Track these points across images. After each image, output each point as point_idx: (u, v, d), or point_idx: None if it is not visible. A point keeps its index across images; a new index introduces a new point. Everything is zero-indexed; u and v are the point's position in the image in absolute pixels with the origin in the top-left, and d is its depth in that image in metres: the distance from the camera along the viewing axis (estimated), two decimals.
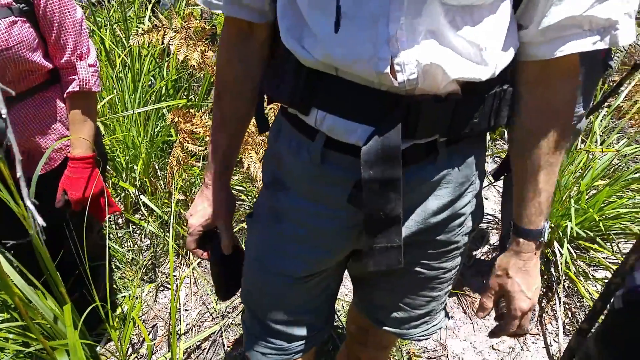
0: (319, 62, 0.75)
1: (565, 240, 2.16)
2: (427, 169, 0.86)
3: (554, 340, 2.14)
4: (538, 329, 2.20)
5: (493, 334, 1.03)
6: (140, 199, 2.34)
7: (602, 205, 2.32)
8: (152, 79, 2.57)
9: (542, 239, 0.88)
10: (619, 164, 2.65)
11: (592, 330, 1.52)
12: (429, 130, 0.79)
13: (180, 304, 2.12)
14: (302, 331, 1.05)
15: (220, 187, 1.03)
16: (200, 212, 1.03)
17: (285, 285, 0.98)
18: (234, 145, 1.02)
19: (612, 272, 2.19)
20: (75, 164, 1.44)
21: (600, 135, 2.73)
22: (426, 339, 1.19)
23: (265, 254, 0.99)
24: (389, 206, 0.78)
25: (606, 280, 2.32)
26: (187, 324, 2.07)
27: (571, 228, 2.11)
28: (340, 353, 1.51)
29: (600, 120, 2.80)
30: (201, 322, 2.09)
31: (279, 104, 0.93)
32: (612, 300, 1.43)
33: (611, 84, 3.23)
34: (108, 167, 2.49)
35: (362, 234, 0.88)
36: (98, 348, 1.85)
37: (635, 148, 2.68)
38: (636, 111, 3.04)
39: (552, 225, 2.30)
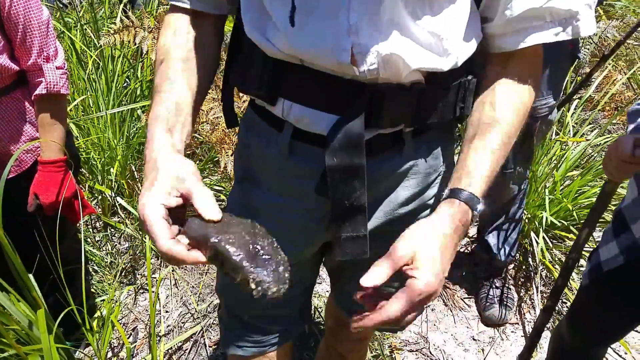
0: (284, 54, 0.76)
1: (541, 230, 2.20)
2: (394, 160, 0.87)
3: (533, 329, 2.18)
4: (517, 318, 2.24)
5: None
6: (117, 202, 2.32)
7: (576, 194, 2.37)
8: (127, 80, 2.54)
9: (475, 210, 0.75)
10: (592, 154, 2.70)
11: (556, 308, 1.55)
12: (394, 119, 0.80)
13: (160, 306, 2.10)
14: (277, 324, 1.05)
15: (172, 149, 0.74)
16: (156, 182, 0.67)
17: None
18: (183, 98, 0.79)
19: (586, 259, 2.25)
20: (46, 168, 1.42)
21: (573, 126, 2.78)
22: (402, 330, 1.19)
23: None
24: (354, 195, 0.79)
25: (582, 268, 2.37)
26: (168, 326, 2.05)
27: (546, 218, 2.14)
28: (321, 347, 1.52)
29: (573, 112, 2.85)
30: (182, 322, 2.08)
31: (249, 98, 0.94)
32: (581, 283, 1.47)
33: (582, 75, 3.30)
34: (83, 169, 2.46)
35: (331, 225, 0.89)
36: (77, 353, 1.82)
37: (607, 138, 2.74)
38: (607, 102, 3.10)
39: (529, 215, 2.34)
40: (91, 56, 2.37)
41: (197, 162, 2.58)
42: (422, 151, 0.89)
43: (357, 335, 1.33)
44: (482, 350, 2.09)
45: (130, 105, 2.29)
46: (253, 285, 0.61)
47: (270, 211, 0.92)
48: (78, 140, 2.34)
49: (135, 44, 2.09)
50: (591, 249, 1.47)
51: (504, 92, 0.80)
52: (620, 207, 1.33)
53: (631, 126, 1.22)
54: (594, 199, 2.38)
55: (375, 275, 0.66)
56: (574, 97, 2.72)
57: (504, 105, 0.79)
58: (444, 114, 0.83)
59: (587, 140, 2.55)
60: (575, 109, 2.87)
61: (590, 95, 3.03)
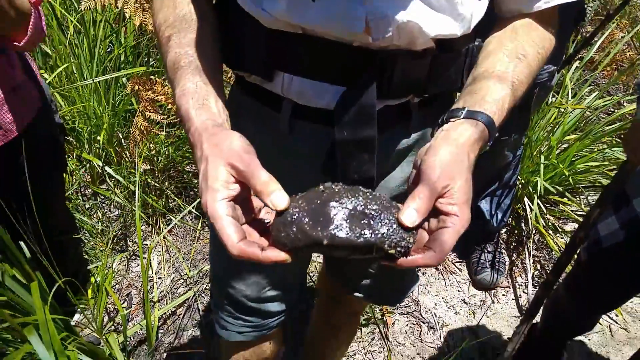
0: (282, 22, 0.70)
1: (536, 196, 2.18)
2: (400, 134, 0.83)
3: (523, 292, 2.20)
4: (508, 281, 2.25)
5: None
6: (106, 171, 2.29)
7: (573, 159, 2.34)
8: (110, 44, 2.46)
9: (490, 142, 0.69)
10: (590, 117, 2.65)
11: (560, 281, 1.56)
12: (404, 88, 0.76)
13: (152, 272, 2.11)
14: (276, 307, 1.04)
15: (212, 125, 0.65)
16: (208, 175, 0.59)
17: (259, 265, 0.97)
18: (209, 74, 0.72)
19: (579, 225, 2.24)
20: None
21: (572, 89, 2.71)
22: (399, 304, 1.17)
23: None
24: (363, 168, 0.75)
25: (574, 231, 2.37)
26: (161, 291, 2.07)
27: (541, 185, 2.12)
28: (313, 320, 1.52)
29: (573, 73, 2.79)
30: (175, 289, 2.09)
31: (233, 80, 0.88)
32: (578, 252, 1.46)
33: (584, 34, 3.20)
34: (70, 138, 2.41)
35: None
36: (73, 321, 1.84)
37: (607, 100, 2.68)
38: (608, 63, 3.03)
39: (523, 181, 2.32)
40: (72, 21, 2.28)
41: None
42: (429, 123, 0.85)
43: (351, 309, 1.33)
44: (473, 313, 2.12)
45: (115, 74, 2.22)
46: (393, 251, 0.55)
47: None
48: (62, 108, 2.29)
49: (117, 8, 2.00)
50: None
51: (526, 30, 0.75)
52: None
53: None
54: (591, 164, 2.37)
55: (421, 209, 0.57)
56: (575, 58, 2.64)
57: (527, 40, 0.74)
58: (453, 81, 0.80)
59: (587, 107, 2.49)
60: (575, 70, 2.80)
61: (591, 56, 2.95)
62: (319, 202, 0.57)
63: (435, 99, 0.83)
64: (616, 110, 2.83)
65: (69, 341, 1.45)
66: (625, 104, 2.90)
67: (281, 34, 0.71)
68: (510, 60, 0.72)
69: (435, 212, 0.59)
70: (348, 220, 0.55)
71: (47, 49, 2.42)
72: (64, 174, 1.82)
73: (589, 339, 2.02)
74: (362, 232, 0.55)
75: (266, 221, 0.64)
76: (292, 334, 1.79)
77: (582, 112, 2.50)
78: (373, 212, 0.56)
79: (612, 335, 2.06)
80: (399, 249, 0.55)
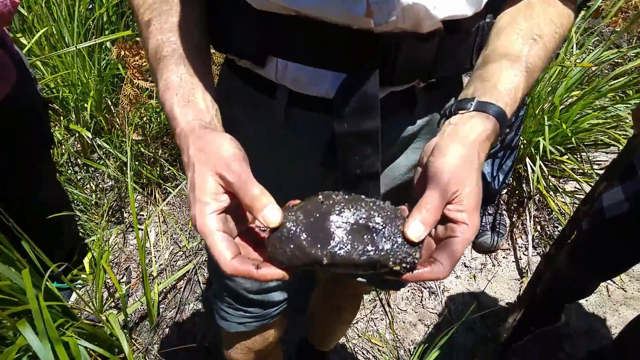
0: (273, 4, 0.62)
1: (538, 157, 2.14)
2: (405, 121, 0.77)
3: (524, 254, 2.20)
4: (509, 244, 2.25)
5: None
6: (96, 142, 2.21)
7: (576, 117, 2.28)
8: (91, 1, 2.31)
9: (500, 137, 0.66)
10: (595, 71, 2.56)
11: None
12: (409, 74, 0.69)
13: (150, 245, 2.09)
14: (278, 296, 1.01)
15: (199, 125, 0.59)
16: (196, 186, 0.54)
17: None
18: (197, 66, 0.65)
19: (579, 185, 2.21)
20: None
21: (577, 41, 2.61)
22: (402, 287, 1.14)
23: None
24: (366, 162, 0.69)
25: (575, 191, 2.34)
26: (160, 265, 2.05)
27: (544, 146, 2.07)
28: (314, 299, 1.51)
29: (578, 23, 2.67)
30: (174, 261, 2.07)
31: (223, 59, 0.80)
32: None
33: None
34: (57, 106, 2.32)
35: None
36: (70, 301, 1.83)
37: (613, 53, 2.58)
38: (615, 12, 2.90)
39: (525, 141, 2.26)
40: None
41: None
42: (435, 108, 0.79)
43: (354, 291, 1.31)
44: (474, 277, 2.12)
45: (99, 39, 2.10)
46: (398, 267, 0.51)
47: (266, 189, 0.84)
48: (45, 77, 2.18)
49: None
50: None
51: (543, 5, 0.68)
52: None
53: None
54: (595, 121, 2.31)
55: (428, 222, 0.52)
56: (582, 7, 2.52)
57: (543, 18, 0.67)
58: (462, 64, 0.73)
59: (591, 63, 2.39)
60: (581, 21, 2.67)
61: (598, 5, 2.82)
62: (317, 215, 0.52)
63: (442, 82, 0.76)
64: (622, 63, 2.74)
65: (67, 326, 1.43)
66: (631, 55, 2.80)
67: (273, 16, 0.63)
68: (525, 41, 0.65)
69: (443, 219, 0.54)
70: (349, 236, 0.51)
71: (22, 10, 2.27)
72: (52, 147, 1.75)
73: (587, 300, 2.03)
74: (365, 249, 0.50)
75: (262, 228, 0.59)
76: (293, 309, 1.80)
77: (587, 67, 2.41)
78: (376, 226, 0.52)
79: (609, 296, 2.08)
80: (404, 265, 0.51)
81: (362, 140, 0.68)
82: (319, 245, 0.50)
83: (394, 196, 0.84)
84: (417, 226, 0.51)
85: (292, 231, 0.51)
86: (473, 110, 0.59)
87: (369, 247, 0.50)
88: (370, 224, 0.52)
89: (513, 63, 0.63)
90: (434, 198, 0.53)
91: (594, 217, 1.38)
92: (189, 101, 0.59)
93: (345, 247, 0.50)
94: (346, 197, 0.54)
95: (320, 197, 0.54)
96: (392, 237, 0.51)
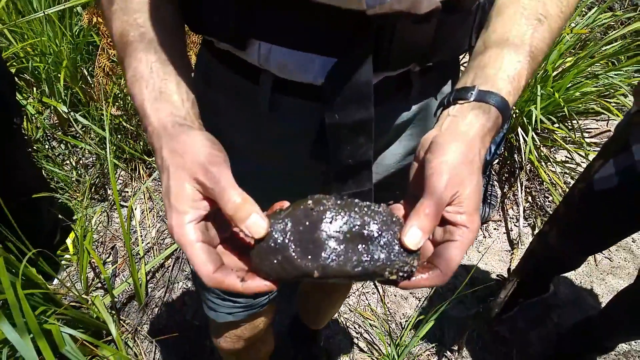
0: None
1: (530, 127, 2.10)
2: (399, 106, 0.72)
3: (515, 225, 2.19)
4: (500, 215, 2.24)
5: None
6: (72, 115, 2.11)
7: (569, 85, 2.23)
8: None
9: (502, 129, 0.65)
10: (588, 36, 2.51)
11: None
12: (405, 58, 0.63)
13: (136, 223, 2.03)
14: None
15: (172, 122, 0.53)
16: (171, 194, 0.49)
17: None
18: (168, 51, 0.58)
19: (570, 155, 2.19)
20: None
21: None
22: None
23: None
24: (359, 152, 0.65)
25: (566, 161, 2.33)
26: (147, 243, 2.00)
27: (536, 116, 2.02)
28: (303, 284, 1.48)
29: None
30: (161, 239, 2.02)
31: (201, 39, 0.73)
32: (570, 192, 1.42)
33: None
34: (29, 77, 2.20)
35: (326, 185, 0.73)
36: (53, 286, 1.78)
37: (608, 18, 2.52)
38: None
39: (517, 110, 2.22)
40: None
41: None
42: (431, 91, 0.74)
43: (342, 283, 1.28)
44: None
45: (68, 3, 1.95)
46: (394, 277, 0.48)
47: (249, 181, 0.78)
48: (13, 45, 2.05)
49: None
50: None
51: None
52: (622, 124, 1.22)
53: None
54: (588, 89, 2.27)
55: (426, 228, 0.48)
56: None
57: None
58: (460, 45, 0.67)
59: (585, 28, 2.33)
60: None
61: None
62: (307, 223, 0.48)
63: (439, 64, 0.70)
64: (616, 26, 2.68)
65: (49, 313, 1.39)
66: (624, 19, 2.74)
67: None
68: (529, 22, 0.59)
69: (441, 220, 0.50)
70: (342, 246, 0.47)
71: None
72: (20, 122, 1.65)
73: (574, 270, 2.04)
74: (360, 260, 0.47)
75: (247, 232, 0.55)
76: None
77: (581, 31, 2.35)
78: (371, 233, 0.48)
79: (596, 265, 2.10)
80: (401, 274, 0.48)
81: (354, 131, 0.62)
82: (309, 257, 0.47)
83: (388, 185, 0.79)
84: (415, 233, 0.47)
85: (279, 241, 0.47)
86: (473, 101, 0.54)
87: (364, 257, 0.47)
88: (364, 231, 0.48)
89: (516, 48, 0.57)
90: (432, 202, 0.49)
91: (583, 190, 1.36)
92: (161, 93, 0.53)
93: (338, 258, 0.47)
94: (338, 202, 0.49)
95: (310, 202, 0.49)
96: (388, 246, 0.48)
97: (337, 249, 0.47)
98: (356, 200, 0.50)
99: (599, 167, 1.26)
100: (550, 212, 2.18)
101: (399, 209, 0.56)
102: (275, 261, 0.47)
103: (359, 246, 0.48)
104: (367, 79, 0.58)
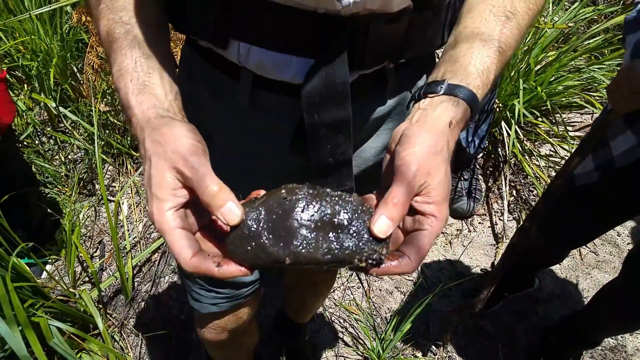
0: None
1: (514, 122, 2.12)
2: (376, 102, 0.74)
3: (499, 219, 2.22)
4: (484, 209, 2.27)
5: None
6: (61, 111, 2.12)
7: (551, 80, 2.26)
8: None
9: (472, 121, 0.64)
10: (570, 30, 2.53)
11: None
12: (379, 57, 0.66)
13: (123, 217, 2.05)
14: (250, 277, 0.99)
15: (155, 114, 0.55)
16: (152, 182, 0.52)
17: None
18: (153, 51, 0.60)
19: (554, 148, 2.21)
20: None
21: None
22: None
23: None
24: (338, 151, 0.67)
25: (550, 155, 2.35)
26: (134, 238, 2.02)
27: (519, 110, 2.05)
28: (288, 273, 1.50)
29: None
30: (148, 234, 2.04)
31: (185, 37, 0.75)
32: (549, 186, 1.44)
33: None
34: (20, 74, 2.21)
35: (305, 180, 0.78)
36: (41, 279, 1.80)
37: (589, 12, 2.54)
38: None
39: (500, 104, 2.25)
40: None
41: None
42: (406, 86, 0.77)
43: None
44: (450, 243, 2.14)
45: (58, 4, 1.97)
46: (364, 264, 0.49)
47: (230, 175, 0.80)
48: (3, 44, 2.07)
49: None
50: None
51: None
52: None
53: (630, 38, 1.07)
54: (570, 83, 2.29)
55: (395, 217, 0.49)
56: None
57: None
58: (432, 42, 0.70)
59: (567, 25, 2.35)
60: None
61: None
62: (280, 212, 0.50)
63: (413, 60, 0.73)
64: (599, 20, 2.71)
65: (37, 306, 1.41)
66: (607, 13, 2.77)
67: None
68: (497, 19, 0.62)
69: (411, 210, 0.52)
70: (313, 234, 0.49)
71: None
72: (11, 121, 1.67)
73: (560, 264, 2.07)
74: (330, 247, 0.49)
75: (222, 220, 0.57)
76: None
77: (563, 25, 2.37)
78: (342, 222, 0.50)
79: (581, 259, 2.12)
80: (370, 261, 0.50)
81: (333, 130, 0.65)
82: (281, 245, 0.49)
83: (368, 177, 0.82)
84: (384, 222, 0.49)
85: (253, 229, 0.49)
86: (443, 94, 0.57)
87: (334, 245, 0.49)
88: (335, 220, 0.50)
89: (485, 43, 0.60)
90: (400, 192, 0.50)
91: (564, 185, 1.38)
92: (144, 87, 0.56)
93: (309, 246, 0.48)
94: (310, 191, 0.51)
95: (283, 191, 0.51)
96: (357, 234, 0.50)
97: (308, 236, 0.49)
98: (328, 190, 0.52)
99: (577, 163, 1.29)
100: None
101: (371, 199, 0.58)
102: (249, 248, 0.49)
103: (330, 234, 0.49)
104: (344, 79, 0.61)
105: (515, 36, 0.62)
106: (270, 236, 0.49)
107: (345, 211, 0.50)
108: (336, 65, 0.60)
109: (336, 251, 0.49)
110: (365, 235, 0.49)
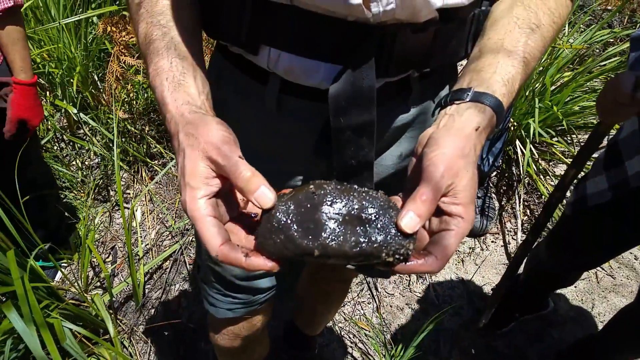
0: None
1: (528, 140, 2.12)
2: (399, 109, 0.76)
3: (513, 239, 2.20)
4: (497, 227, 2.25)
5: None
6: (81, 118, 2.16)
7: (567, 99, 2.26)
8: None
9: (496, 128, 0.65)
10: (587, 51, 2.54)
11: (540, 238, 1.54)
12: (405, 65, 0.68)
13: (136, 224, 2.06)
14: (266, 283, 1.00)
15: (189, 109, 0.57)
16: (186, 171, 0.52)
17: None
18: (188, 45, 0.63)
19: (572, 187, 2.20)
20: (29, 90, 1.39)
21: (569, 21, 2.57)
22: (392, 276, 1.14)
23: None
24: (361, 153, 0.69)
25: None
26: (147, 245, 2.03)
27: (534, 129, 2.05)
28: (303, 282, 1.50)
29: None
30: (160, 241, 2.05)
31: (215, 43, 0.78)
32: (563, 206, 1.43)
33: None
34: (43, 81, 2.26)
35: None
36: (55, 281, 1.81)
37: (605, 35, 2.55)
38: None
39: (515, 123, 2.25)
40: None
41: None
42: (429, 95, 0.78)
43: (344, 276, 1.30)
44: (462, 261, 2.13)
45: (84, 14, 2.03)
46: (391, 259, 0.49)
47: None
48: (31, 51, 2.12)
49: None
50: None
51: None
52: (616, 139, 1.24)
53: (632, 55, 1.08)
54: (586, 104, 2.29)
55: (423, 214, 0.50)
56: None
57: (541, 6, 0.65)
58: (456, 53, 0.71)
59: (583, 45, 2.36)
60: None
61: None
62: (309, 205, 0.50)
63: (437, 70, 0.74)
64: (615, 43, 2.71)
65: (52, 307, 1.42)
66: (623, 36, 2.77)
67: (267, 4, 0.62)
68: (522, 31, 0.63)
69: (437, 211, 0.53)
70: (342, 228, 0.49)
71: None
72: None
73: (575, 287, 2.05)
74: (358, 241, 0.49)
75: (253, 215, 0.58)
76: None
77: (581, 46, 2.38)
78: (369, 217, 0.50)
79: (597, 282, 2.09)
80: (397, 256, 0.50)
81: (357, 133, 0.66)
82: (310, 237, 0.49)
83: (387, 185, 0.82)
84: (411, 217, 0.49)
85: (282, 222, 0.49)
86: (469, 101, 0.57)
87: (362, 239, 0.49)
88: (362, 214, 0.50)
89: (510, 54, 0.61)
90: (428, 190, 0.51)
91: (577, 204, 1.36)
92: (179, 85, 0.58)
93: (337, 238, 0.49)
94: (338, 187, 0.52)
95: (311, 187, 0.52)
96: (385, 229, 0.50)
97: (336, 229, 0.49)
98: (355, 186, 0.52)
99: (572, 177, 1.28)
100: (549, 226, 2.19)
101: (397, 200, 0.58)
102: (278, 240, 0.49)
103: (358, 228, 0.49)
104: (370, 84, 0.63)
105: (540, 47, 0.63)
106: (299, 228, 0.49)
107: (373, 206, 0.51)
108: (364, 70, 0.62)
109: (364, 244, 0.49)
110: (393, 231, 0.50)
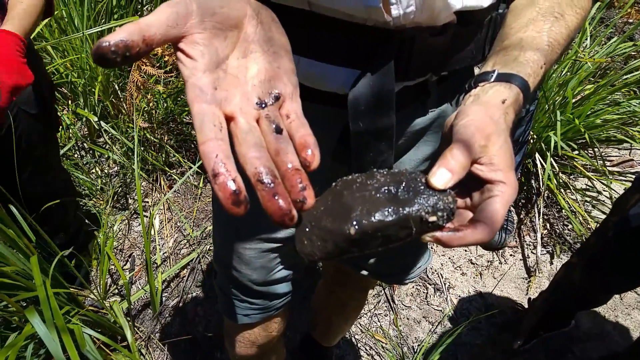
0: None
1: (549, 154, 2.09)
2: (417, 113, 0.76)
3: (532, 252, 2.17)
4: (516, 241, 2.22)
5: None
6: (102, 126, 2.19)
7: (589, 112, 2.23)
8: None
9: (523, 108, 0.64)
10: (608, 64, 2.51)
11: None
12: (423, 69, 0.68)
13: (155, 232, 2.07)
14: (283, 289, 1.00)
15: None
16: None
17: (266, 251, 0.91)
18: None
19: (591, 183, 2.16)
20: (4, 37, 1.12)
21: (591, 33, 2.54)
22: (408, 282, 1.12)
23: (240, 222, 0.89)
24: (380, 158, 0.69)
25: (586, 189, 2.30)
26: (164, 253, 2.04)
27: (555, 142, 2.02)
28: (320, 290, 1.49)
29: (593, 13, 2.59)
30: (178, 250, 2.06)
31: None
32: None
33: None
34: (65, 90, 2.30)
35: None
36: (75, 287, 1.82)
37: (628, 47, 2.52)
38: (631, 4, 2.83)
39: (535, 135, 2.22)
40: None
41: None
42: (447, 99, 0.79)
43: (359, 286, 1.29)
44: (480, 274, 2.10)
45: (106, 25, 2.07)
46: (434, 218, 0.46)
47: None
48: (55, 61, 2.16)
49: None
50: None
51: None
52: None
53: None
54: (609, 117, 2.26)
55: (455, 169, 0.48)
56: None
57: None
58: (474, 56, 0.71)
59: (605, 57, 2.33)
60: (595, 11, 2.61)
61: None
62: (334, 197, 0.50)
63: (455, 73, 0.75)
64: (637, 56, 2.68)
65: (72, 314, 1.43)
66: None
67: (285, 9, 0.62)
68: (545, 19, 0.62)
69: (477, 184, 0.51)
70: (372, 203, 0.47)
71: None
72: (58, 129, 1.74)
73: None
74: (392, 208, 0.46)
75: None
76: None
77: (603, 60, 2.36)
78: (398, 187, 0.48)
79: (621, 299, 2.04)
80: (439, 213, 0.47)
81: (376, 138, 0.66)
82: (342, 219, 0.46)
83: None
84: (443, 173, 0.48)
85: (313, 222, 0.48)
86: (494, 81, 0.56)
87: (396, 205, 0.46)
88: (391, 187, 0.48)
89: (534, 38, 0.60)
90: (459, 149, 0.49)
91: (619, 225, 1.31)
92: None
93: (371, 213, 0.46)
94: (363, 176, 0.51)
95: (333, 185, 0.52)
96: (417, 190, 0.48)
97: (367, 205, 0.47)
98: (375, 169, 0.51)
99: (635, 202, 1.23)
100: (570, 240, 2.16)
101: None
102: (314, 237, 0.47)
103: (389, 198, 0.47)
104: (389, 88, 0.63)
105: (564, 35, 0.63)
106: (330, 218, 0.47)
107: (399, 178, 0.49)
108: (383, 74, 0.62)
109: (400, 209, 0.46)
110: (426, 191, 0.48)
